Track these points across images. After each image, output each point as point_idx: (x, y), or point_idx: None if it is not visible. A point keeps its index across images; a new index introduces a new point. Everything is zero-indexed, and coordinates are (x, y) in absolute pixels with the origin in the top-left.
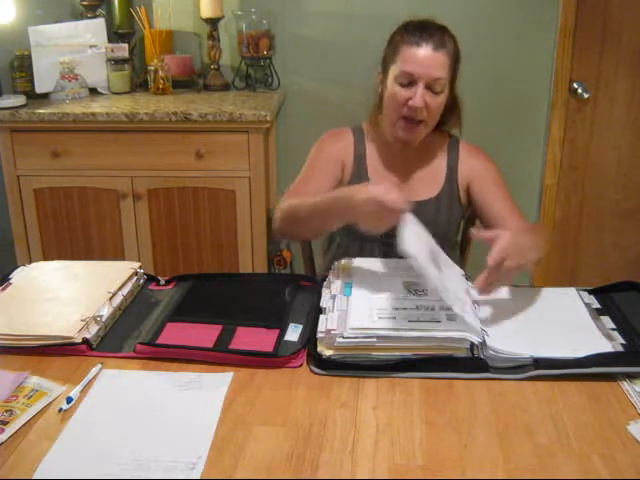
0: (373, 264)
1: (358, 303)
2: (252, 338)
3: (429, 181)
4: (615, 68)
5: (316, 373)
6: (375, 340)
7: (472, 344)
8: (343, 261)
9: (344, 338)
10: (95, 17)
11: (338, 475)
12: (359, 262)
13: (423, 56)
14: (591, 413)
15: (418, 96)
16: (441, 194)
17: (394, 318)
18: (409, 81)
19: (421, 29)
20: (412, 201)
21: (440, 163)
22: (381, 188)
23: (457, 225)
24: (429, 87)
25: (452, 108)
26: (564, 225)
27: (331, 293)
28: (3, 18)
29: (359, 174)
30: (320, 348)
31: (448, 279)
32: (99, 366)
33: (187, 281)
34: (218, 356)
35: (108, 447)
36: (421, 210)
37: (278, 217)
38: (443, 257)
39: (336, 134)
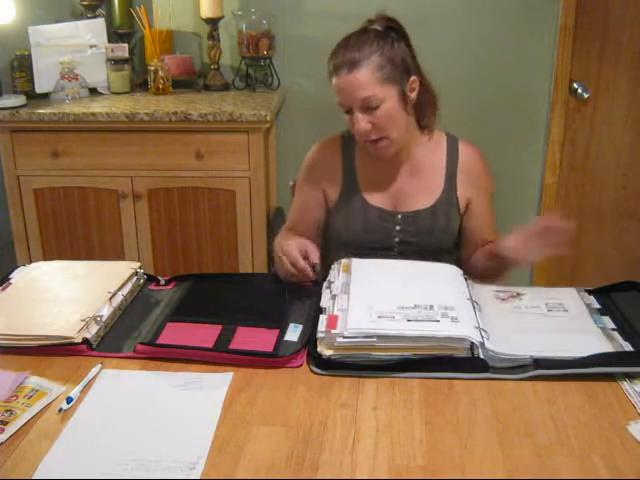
0: (372, 264)
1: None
2: (252, 338)
3: (426, 189)
4: (615, 68)
5: (316, 373)
6: (375, 340)
7: (472, 344)
8: (343, 260)
9: (344, 338)
10: (95, 17)
11: (338, 475)
12: (359, 261)
13: (343, 83)
14: (591, 413)
15: (358, 122)
16: (439, 202)
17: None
18: (346, 109)
19: (338, 51)
20: (408, 211)
21: (438, 169)
22: (294, 249)
23: (455, 234)
24: (365, 107)
25: (423, 104)
26: None
27: (331, 293)
28: (3, 18)
29: (350, 187)
30: (320, 348)
31: (432, 289)
32: (99, 366)
33: (187, 281)
34: (218, 356)
35: (108, 447)
36: (416, 220)
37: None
38: (423, 270)
39: (323, 148)
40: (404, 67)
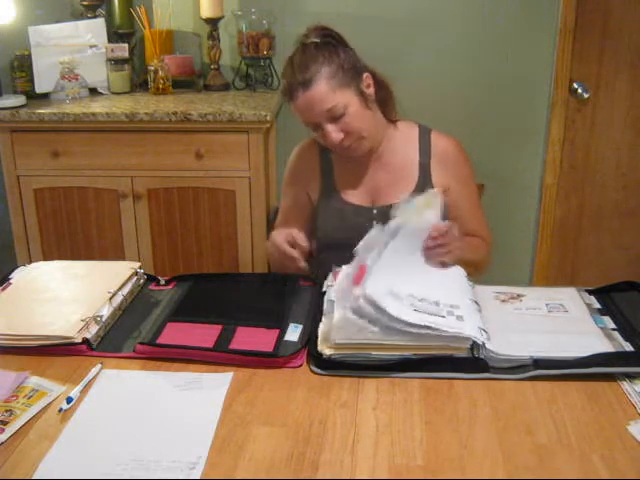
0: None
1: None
2: (252, 338)
3: (401, 183)
4: (615, 68)
5: (316, 373)
6: (378, 331)
7: (472, 344)
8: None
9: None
10: (95, 17)
11: (338, 475)
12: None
13: (302, 103)
14: (591, 413)
15: (329, 134)
16: (414, 194)
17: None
18: (314, 126)
19: (287, 75)
20: (384, 205)
21: (411, 161)
22: (281, 239)
23: None
24: (332, 118)
25: (384, 99)
26: (564, 225)
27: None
28: (3, 18)
29: (328, 186)
30: (320, 347)
31: (435, 285)
32: (99, 366)
33: (187, 281)
34: (218, 356)
35: (108, 447)
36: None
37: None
38: (430, 267)
39: (301, 152)
40: (354, 69)
